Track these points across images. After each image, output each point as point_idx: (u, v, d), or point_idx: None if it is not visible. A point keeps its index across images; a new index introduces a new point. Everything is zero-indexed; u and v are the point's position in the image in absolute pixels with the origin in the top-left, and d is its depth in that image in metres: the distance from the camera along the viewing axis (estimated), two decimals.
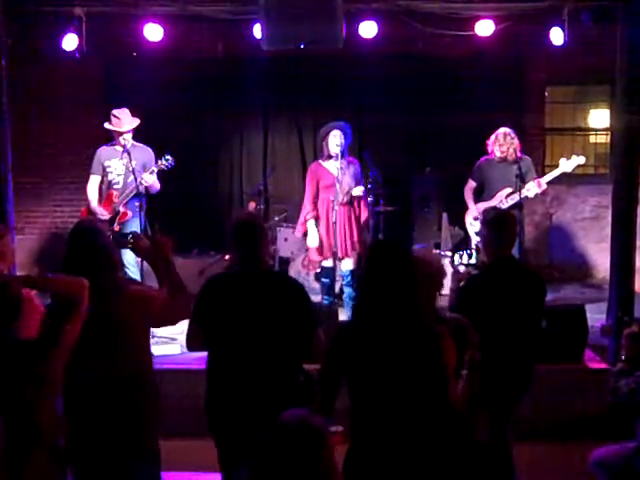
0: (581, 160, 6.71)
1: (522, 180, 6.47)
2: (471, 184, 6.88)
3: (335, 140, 6.41)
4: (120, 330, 3.24)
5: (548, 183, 6.67)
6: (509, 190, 6.60)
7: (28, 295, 3.02)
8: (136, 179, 6.30)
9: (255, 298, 3.43)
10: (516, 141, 6.63)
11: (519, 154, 6.64)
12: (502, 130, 6.65)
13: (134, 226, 6.34)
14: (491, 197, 6.70)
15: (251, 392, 3.38)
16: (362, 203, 6.60)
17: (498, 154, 6.64)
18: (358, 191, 6.47)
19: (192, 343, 3.56)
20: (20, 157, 6.87)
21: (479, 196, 6.86)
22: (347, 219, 6.51)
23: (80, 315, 2.92)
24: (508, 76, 8.64)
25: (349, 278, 6.57)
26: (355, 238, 6.55)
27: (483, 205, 6.72)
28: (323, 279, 6.77)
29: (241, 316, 3.41)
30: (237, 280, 3.52)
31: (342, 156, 6.39)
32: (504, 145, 6.60)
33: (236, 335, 3.41)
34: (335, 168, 6.37)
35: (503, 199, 6.62)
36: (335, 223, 6.32)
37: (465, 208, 6.95)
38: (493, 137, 6.68)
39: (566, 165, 6.72)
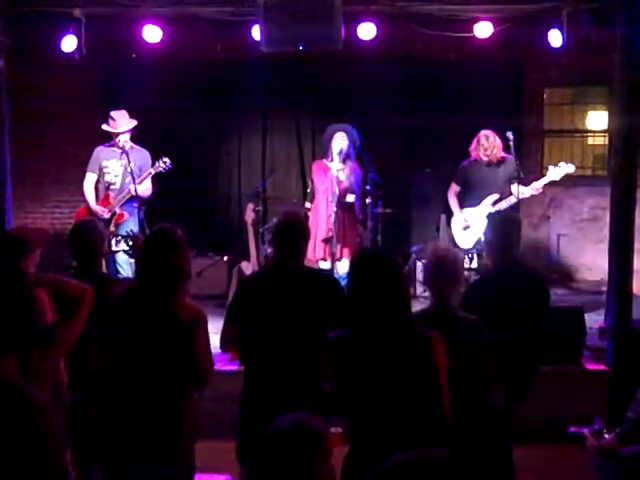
0: (570, 169, 6.48)
1: (522, 181, 6.32)
2: (455, 188, 6.67)
3: (337, 142, 6.42)
4: None
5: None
6: (495, 197, 6.43)
7: (38, 293, 3.04)
8: (134, 180, 6.30)
9: (290, 293, 3.49)
10: (498, 141, 6.41)
11: (502, 154, 6.45)
12: (483, 133, 6.45)
13: (131, 227, 6.33)
14: (477, 202, 6.52)
15: (288, 390, 3.39)
16: (356, 212, 6.61)
17: (485, 159, 6.43)
18: (351, 198, 6.48)
19: (226, 343, 3.60)
20: (19, 158, 6.87)
21: (463, 200, 6.65)
22: (345, 221, 6.52)
23: (79, 320, 2.95)
24: (507, 78, 8.64)
25: (345, 282, 6.56)
26: (353, 240, 6.55)
27: (469, 211, 6.57)
28: None
29: (277, 311, 3.46)
30: (273, 277, 3.61)
31: (347, 158, 6.40)
32: (488, 149, 6.39)
33: (272, 330, 3.45)
34: (336, 170, 6.37)
35: (490, 207, 6.44)
36: (333, 224, 6.33)
37: None
38: (475, 142, 6.47)
39: (554, 173, 6.50)
